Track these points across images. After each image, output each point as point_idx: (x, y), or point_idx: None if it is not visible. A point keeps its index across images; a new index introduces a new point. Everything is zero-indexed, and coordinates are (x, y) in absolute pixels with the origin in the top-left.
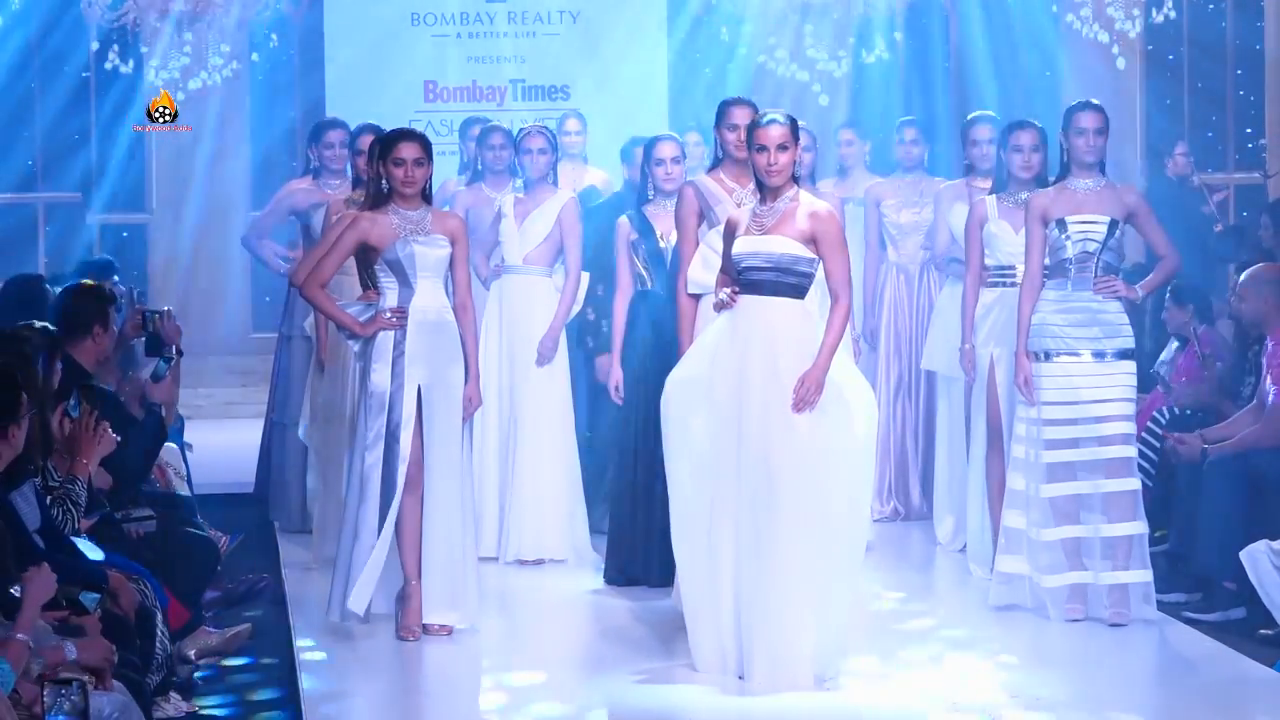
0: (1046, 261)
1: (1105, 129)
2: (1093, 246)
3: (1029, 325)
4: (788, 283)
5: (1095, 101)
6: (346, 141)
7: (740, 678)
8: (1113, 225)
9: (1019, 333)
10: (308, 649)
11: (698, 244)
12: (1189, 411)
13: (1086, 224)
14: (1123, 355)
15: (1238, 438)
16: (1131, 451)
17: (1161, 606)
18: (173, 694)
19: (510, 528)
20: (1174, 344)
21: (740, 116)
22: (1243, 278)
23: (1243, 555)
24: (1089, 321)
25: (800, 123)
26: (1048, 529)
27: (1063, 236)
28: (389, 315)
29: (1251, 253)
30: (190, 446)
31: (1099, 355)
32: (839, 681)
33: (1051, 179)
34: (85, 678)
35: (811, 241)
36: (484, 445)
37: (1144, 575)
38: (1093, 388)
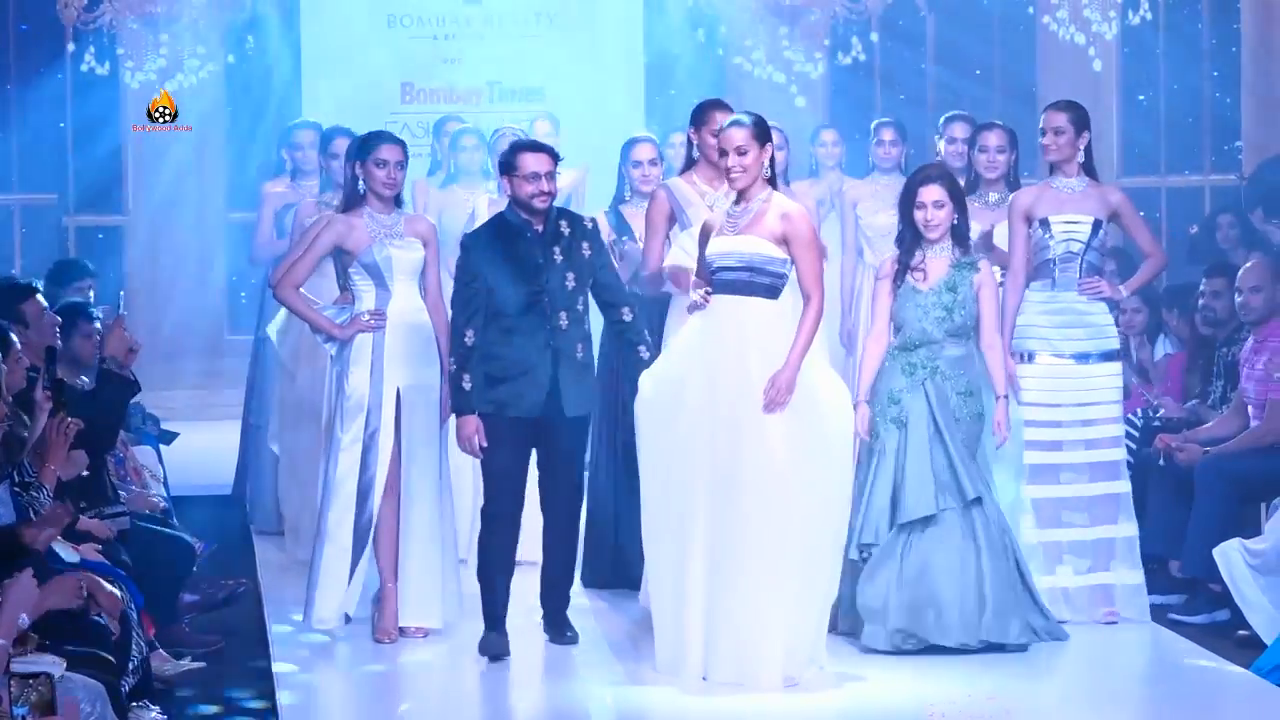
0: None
1: (1067, 129)
2: (1076, 247)
3: (1014, 324)
4: (760, 283)
5: (1063, 101)
6: (316, 143)
7: (704, 679)
8: (1096, 225)
9: (1004, 330)
10: (284, 651)
11: (666, 245)
12: (1159, 410)
13: (1070, 224)
14: (1107, 357)
15: (1237, 439)
16: (1120, 454)
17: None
18: (146, 700)
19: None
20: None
21: (719, 119)
22: (1246, 272)
23: (1216, 553)
24: (1073, 323)
25: (771, 123)
26: (1030, 531)
27: (1046, 236)
28: (367, 318)
29: (1212, 255)
30: (177, 434)
31: (1083, 357)
32: (810, 683)
33: (1026, 179)
34: (51, 670)
35: (783, 242)
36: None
37: (1134, 577)
38: (1076, 390)
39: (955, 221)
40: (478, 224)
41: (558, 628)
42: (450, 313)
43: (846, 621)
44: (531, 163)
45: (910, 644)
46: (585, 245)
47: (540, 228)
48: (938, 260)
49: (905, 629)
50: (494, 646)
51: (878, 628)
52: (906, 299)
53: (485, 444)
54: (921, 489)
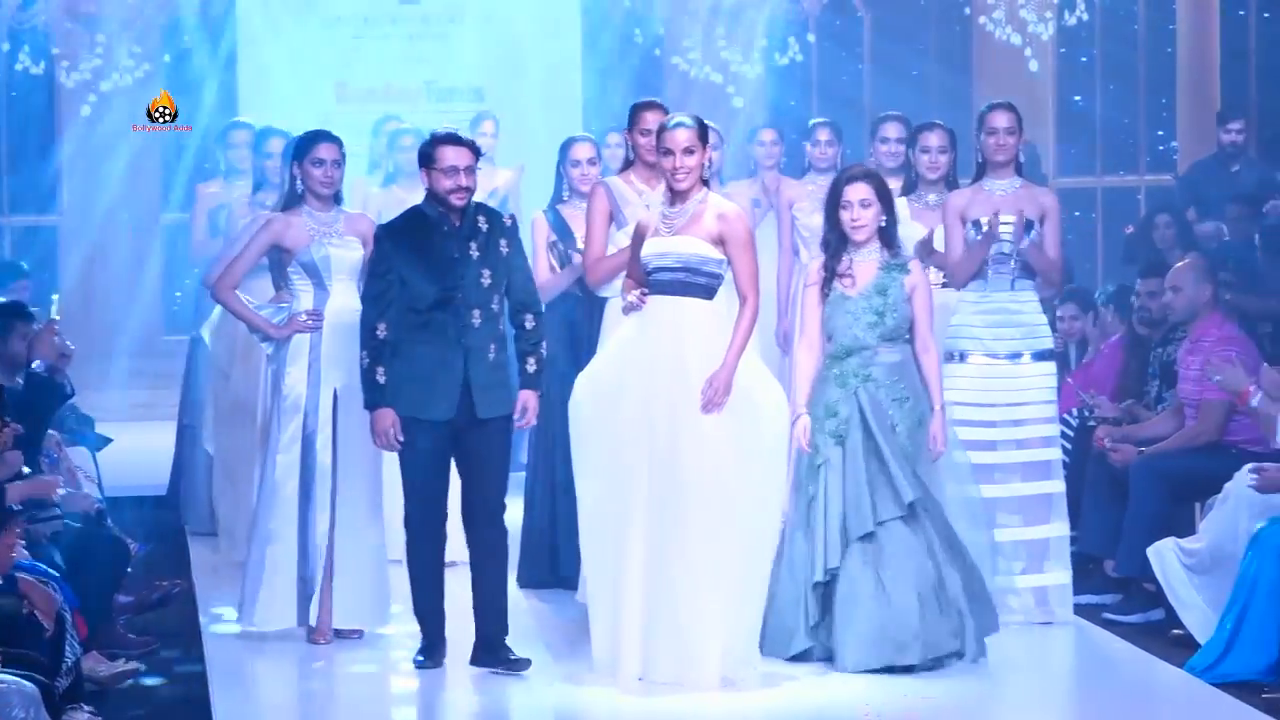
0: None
1: (1016, 129)
2: (1008, 247)
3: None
4: (697, 283)
5: (1007, 102)
6: (250, 142)
7: (640, 679)
8: (1029, 225)
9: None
10: (218, 652)
11: (607, 242)
12: (1095, 409)
13: (1002, 224)
14: (1041, 357)
15: (1172, 438)
16: (1053, 454)
17: (1074, 608)
18: (80, 701)
19: None
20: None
21: (650, 120)
22: (1172, 272)
23: (1150, 553)
24: (1006, 322)
25: (710, 123)
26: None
27: (978, 238)
28: (304, 318)
29: (1149, 254)
30: (111, 440)
31: (1015, 356)
32: (746, 683)
33: (964, 180)
34: None
35: (720, 242)
36: None
37: (1063, 577)
38: (1009, 390)
39: (884, 223)
40: None
41: (498, 655)
42: (361, 306)
43: (796, 643)
44: (451, 156)
45: (874, 663)
46: (503, 242)
47: (458, 222)
48: (866, 264)
49: (865, 650)
50: (430, 661)
51: (844, 650)
52: (836, 306)
53: (402, 438)
54: (861, 505)
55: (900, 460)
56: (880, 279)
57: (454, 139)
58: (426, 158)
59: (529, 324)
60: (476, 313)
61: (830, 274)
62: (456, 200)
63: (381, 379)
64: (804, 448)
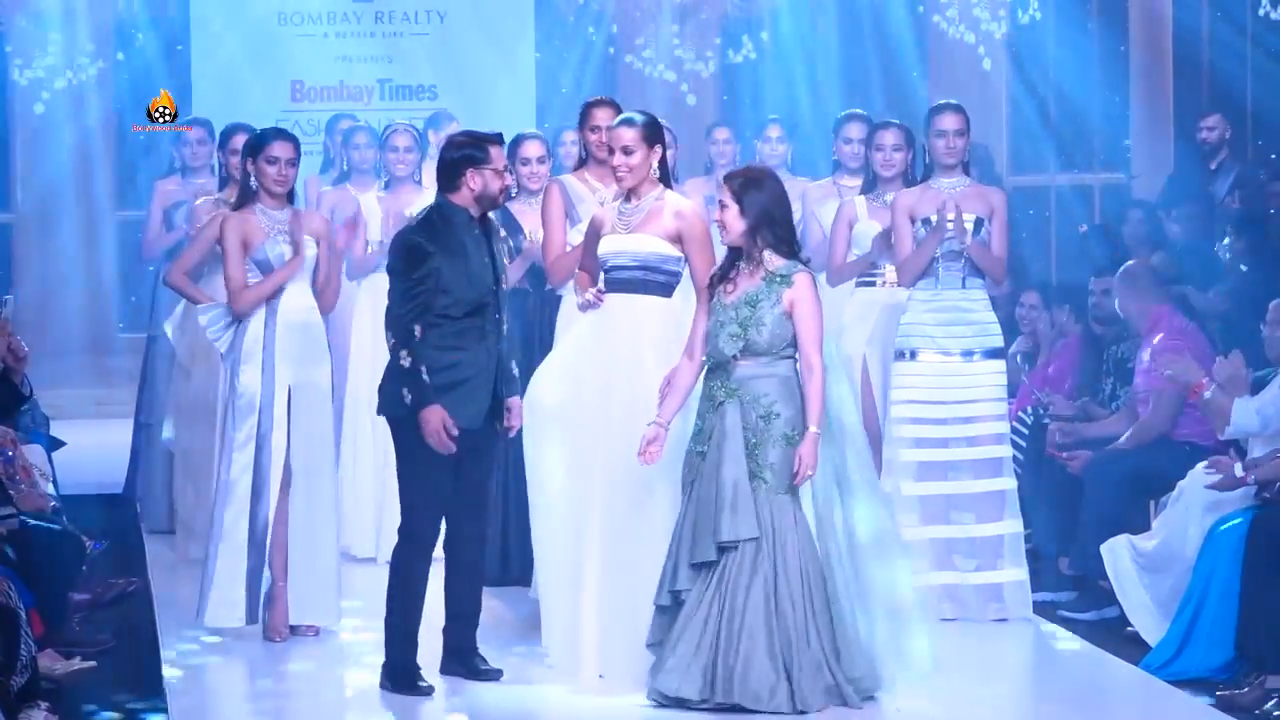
0: None
1: (965, 130)
2: (959, 244)
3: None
4: (655, 281)
5: (955, 103)
6: (205, 139)
7: (601, 677)
8: (978, 224)
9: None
10: (174, 650)
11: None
12: (1049, 407)
13: (950, 220)
14: (991, 355)
15: (1126, 435)
16: (1003, 451)
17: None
18: (40, 702)
19: (388, 527)
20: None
21: (602, 118)
22: (1117, 275)
23: (1103, 549)
24: (957, 320)
25: (663, 122)
26: (915, 528)
27: (927, 234)
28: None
29: (1115, 251)
30: (64, 443)
31: (967, 354)
32: None
33: (919, 178)
34: None
35: (677, 240)
36: (359, 445)
37: (1019, 574)
38: (961, 387)
39: (750, 224)
40: (371, 223)
41: (470, 665)
42: (390, 309)
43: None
44: (501, 156)
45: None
46: (504, 247)
47: (478, 226)
48: (752, 271)
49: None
50: (391, 684)
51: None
52: (713, 314)
53: (455, 433)
54: (705, 529)
55: (736, 490)
56: (755, 290)
57: (501, 139)
58: (473, 160)
59: (503, 328)
60: (503, 318)
61: (720, 278)
62: (503, 200)
63: (426, 377)
64: (646, 459)
